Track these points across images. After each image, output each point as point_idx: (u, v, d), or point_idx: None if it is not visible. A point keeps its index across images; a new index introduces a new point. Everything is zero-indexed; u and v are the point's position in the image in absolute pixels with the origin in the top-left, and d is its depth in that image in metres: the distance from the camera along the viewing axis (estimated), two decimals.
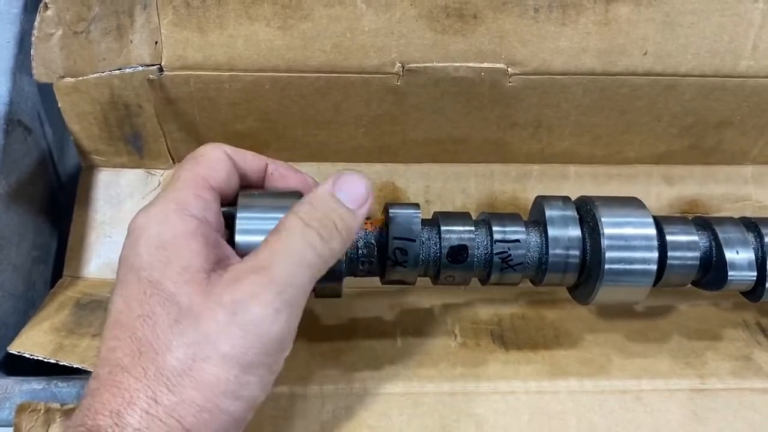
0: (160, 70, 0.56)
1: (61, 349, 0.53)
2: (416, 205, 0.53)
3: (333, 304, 0.54)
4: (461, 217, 0.55)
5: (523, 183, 0.68)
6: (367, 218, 0.49)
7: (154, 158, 0.65)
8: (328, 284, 0.50)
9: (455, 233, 0.53)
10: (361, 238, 0.52)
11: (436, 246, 0.53)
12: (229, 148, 0.47)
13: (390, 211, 0.52)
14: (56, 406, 0.49)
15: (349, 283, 0.61)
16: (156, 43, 0.55)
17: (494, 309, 0.63)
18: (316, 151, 0.64)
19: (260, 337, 0.38)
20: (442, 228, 0.53)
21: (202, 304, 0.38)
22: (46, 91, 0.60)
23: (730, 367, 0.57)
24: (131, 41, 0.55)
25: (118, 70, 0.56)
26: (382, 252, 0.52)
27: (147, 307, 0.38)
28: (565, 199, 0.57)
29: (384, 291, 0.58)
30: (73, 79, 0.57)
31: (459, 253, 0.54)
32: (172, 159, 0.65)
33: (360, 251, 0.52)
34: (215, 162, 0.46)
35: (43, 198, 0.64)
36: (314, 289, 0.50)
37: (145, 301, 0.38)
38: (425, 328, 0.60)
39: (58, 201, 0.66)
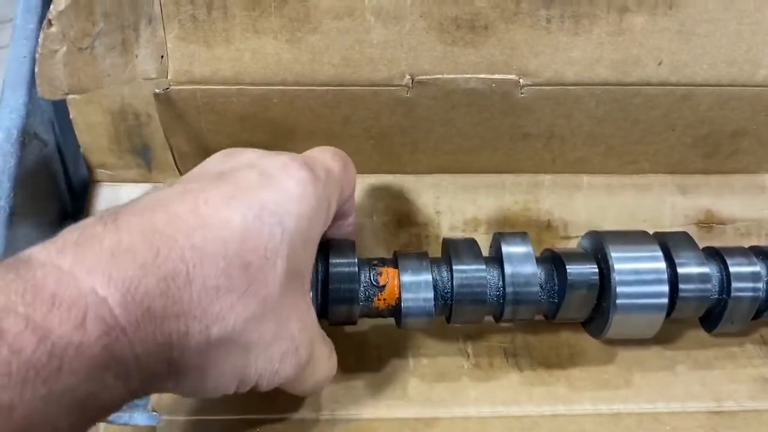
0: (167, 84, 0.55)
1: None
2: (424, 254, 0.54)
3: (344, 335, 0.53)
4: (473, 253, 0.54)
5: (535, 193, 0.67)
6: (382, 290, 0.52)
7: (163, 171, 0.64)
8: (342, 307, 0.50)
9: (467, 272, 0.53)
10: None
11: (448, 285, 0.53)
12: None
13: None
14: None
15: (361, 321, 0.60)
16: (162, 57, 0.55)
17: (507, 325, 0.62)
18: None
19: None
20: (454, 268, 0.52)
21: None
22: (60, 103, 0.60)
23: (746, 390, 0.56)
24: (136, 56, 0.54)
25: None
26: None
27: None
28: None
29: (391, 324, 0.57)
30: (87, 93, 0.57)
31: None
32: (180, 173, 0.64)
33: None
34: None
35: (55, 211, 0.63)
36: (327, 316, 0.51)
37: None
38: (438, 349, 0.59)
39: (69, 214, 0.66)
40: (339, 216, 0.51)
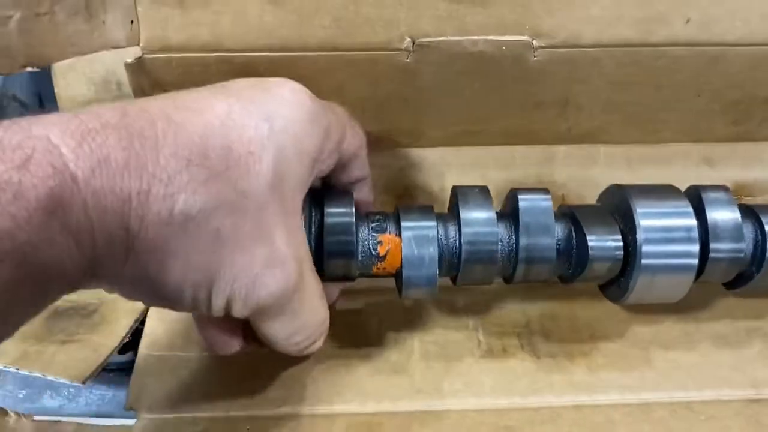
0: (138, 53, 0.50)
1: (25, 357, 0.49)
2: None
3: (345, 316, 0.48)
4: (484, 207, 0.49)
5: (548, 167, 0.62)
6: (382, 260, 0.48)
7: None
8: (338, 261, 0.47)
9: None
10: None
11: (455, 244, 0.49)
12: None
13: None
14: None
15: (359, 293, 0.56)
16: (132, 22, 0.49)
17: (521, 306, 0.57)
18: None
19: None
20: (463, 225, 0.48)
21: None
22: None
23: None
24: (103, 22, 0.48)
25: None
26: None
27: None
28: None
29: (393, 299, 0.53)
30: (68, 59, 0.52)
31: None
32: None
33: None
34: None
35: None
36: (323, 273, 0.46)
37: None
38: (446, 332, 0.55)
39: None
40: (348, 178, 0.49)
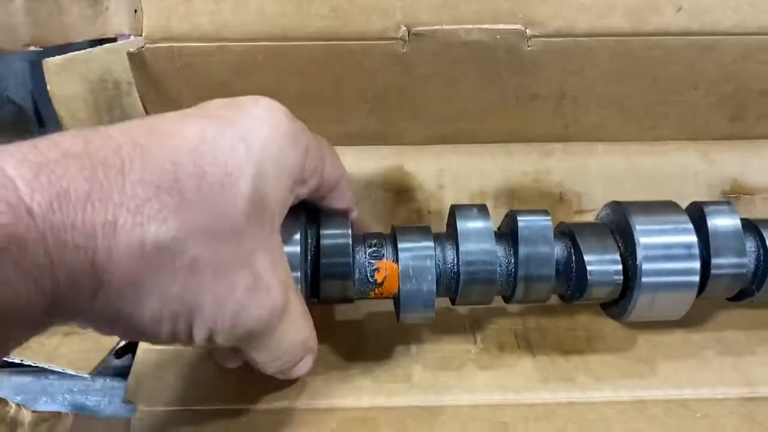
0: (141, 43, 0.51)
1: (27, 350, 0.48)
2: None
3: (338, 311, 0.48)
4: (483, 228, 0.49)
5: (545, 163, 0.62)
6: (380, 286, 0.47)
7: None
8: (335, 282, 0.46)
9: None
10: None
11: (453, 265, 0.48)
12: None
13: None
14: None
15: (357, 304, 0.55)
16: (135, 11, 0.50)
17: (518, 307, 0.57)
18: (318, 133, 0.58)
19: None
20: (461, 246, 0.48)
21: None
22: (39, 74, 0.55)
23: None
24: (107, 8, 0.50)
25: (99, 42, 0.51)
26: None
27: None
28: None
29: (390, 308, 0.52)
30: (62, 57, 0.53)
31: None
32: None
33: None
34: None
35: None
36: (320, 298, 0.46)
37: None
38: (442, 332, 0.55)
39: None
40: (330, 209, 0.47)
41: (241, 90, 0.53)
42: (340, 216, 0.47)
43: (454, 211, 0.49)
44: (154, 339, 0.36)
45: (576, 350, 0.53)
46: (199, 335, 0.36)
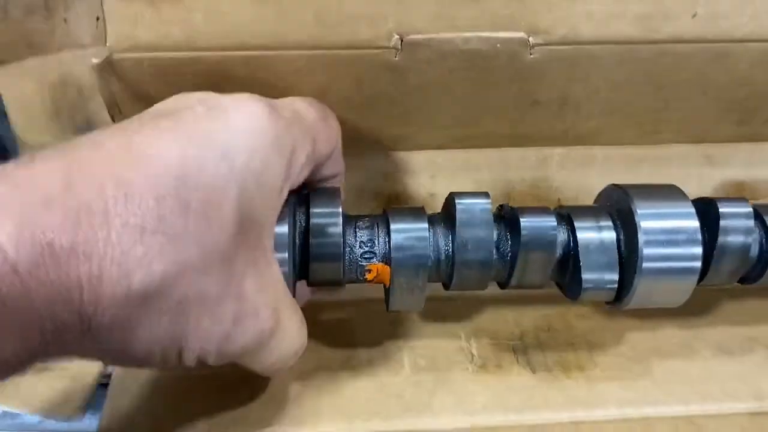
0: (106, 52, 0.46)
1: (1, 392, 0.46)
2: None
3: (327, 327, 0.46)
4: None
5: (543, 170, 0.59)
6: (370, 272, 0.46)
7: None
8: (325, 264, 0.44)
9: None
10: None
11: (448, 248, 0.46)
12: None
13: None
14: None
15: (347, 303, 0.53)
16: (98, 19, 0.45)
17: (514, 318, 0.55)
18: None
19: None
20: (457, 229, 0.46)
21: None
22: None
23: None
24: (65, 20, 0.45)
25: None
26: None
27: None
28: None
29: (384, 307, 0.50)
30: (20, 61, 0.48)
31: None
32: None
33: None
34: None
35: None
36: (309, 278, 0.45)
37: None
38: (437, 345, 0.53)
39: None
40: (321, 176, 0.46)
41: None
42: (330, 195, 0.45)
43: (453, 196, 0.47)
44: (145, 366, 0.37)
45: (577, 366, 0.52)
46: (189, 360, 0.36)
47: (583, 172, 0.59)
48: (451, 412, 0.48)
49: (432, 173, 0.58)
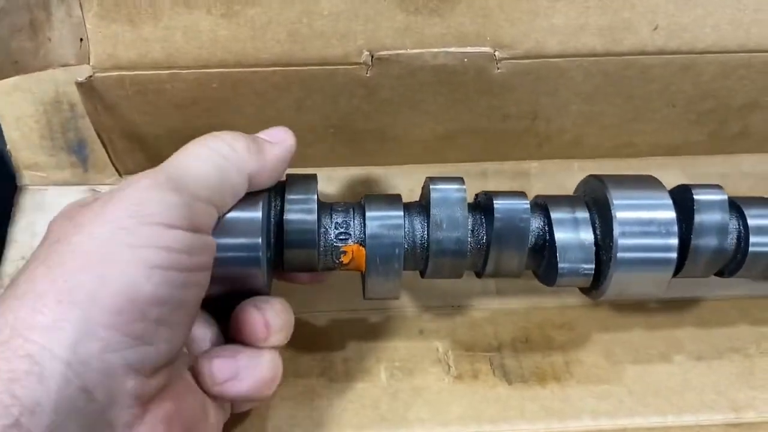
0: (89, 72, 0.48)
1: None
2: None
3: (304, 337, 0.46)
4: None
5: (520, 182, 0.60)
6: (345, 266, 0.46)
7: (100, 170, 0.57)
8: (300, 250, 0.44)
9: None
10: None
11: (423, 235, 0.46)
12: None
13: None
14: None
15: (324, 312, 0.54)
16: (81, 40, 0.47)
17: (492, 329, 0.55)
18: None
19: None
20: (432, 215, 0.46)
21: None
22: None
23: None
24: (49, 39, 0.47)
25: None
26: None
27: None
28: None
29: (362, 317, 0.50)
30: (13, 77, 0.50)
31: None
32: (118, 172, 0.57)
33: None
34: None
35: None
36: (284, 263, 0.45)
37: None
38: (414, 356, 0.53)
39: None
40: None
41: (196, 113, 0.52)
42: (306, 182, 0.45)
43: (429, 182, 0.47)
44: None
45: (553, 377, 0.52)
46: None
47: (560, 184, 0.59)
48: (427, 423, 0.48)
49: (410, 187, 0.58)
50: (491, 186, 0.59)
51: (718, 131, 0.58)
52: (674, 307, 0.56)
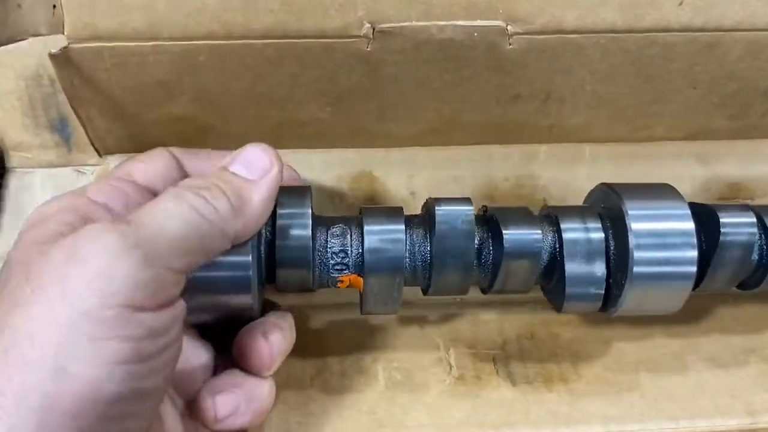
0: (63, 42, 0.44)
1: None
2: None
3: (299, 336, 0.43)
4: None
5: (528, 167, 0.56)
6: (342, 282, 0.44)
7: (83, 150, 0.53)
8: (294, 270, 0.42)
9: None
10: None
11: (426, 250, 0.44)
12: (176, 150, 0.43)
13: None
14: None
15: (320, 309, 0.51)
16: (54, 6, 0.43)
17: (497, 325, 0.52)
18: (273, 136, 0.51)
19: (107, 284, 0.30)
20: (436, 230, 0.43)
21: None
22: None
23: None
24: (19, 5, 0.43)
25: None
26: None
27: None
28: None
29: (358, 315, 0.47)
30: None
31: None
32: (98, 152, 0.53)
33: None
34: (152, 159, 0.42)
35: None
36: (277, 284, 0.43)
37: None
38: (414, 355, 0.50)
39: None
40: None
41: (182, 89, 0.48)
42: (300, 195, 0.43)
43: (433, 204, 0.45)
44: None
45: (560, 378, 0.49)
46: None
47: (570, 171, 0.56)
48: (426, 429, 0.46)
49: (412, 171, 0.55)
50: (497, 171, 0.56)
51: (740, 115, 0.55)
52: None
